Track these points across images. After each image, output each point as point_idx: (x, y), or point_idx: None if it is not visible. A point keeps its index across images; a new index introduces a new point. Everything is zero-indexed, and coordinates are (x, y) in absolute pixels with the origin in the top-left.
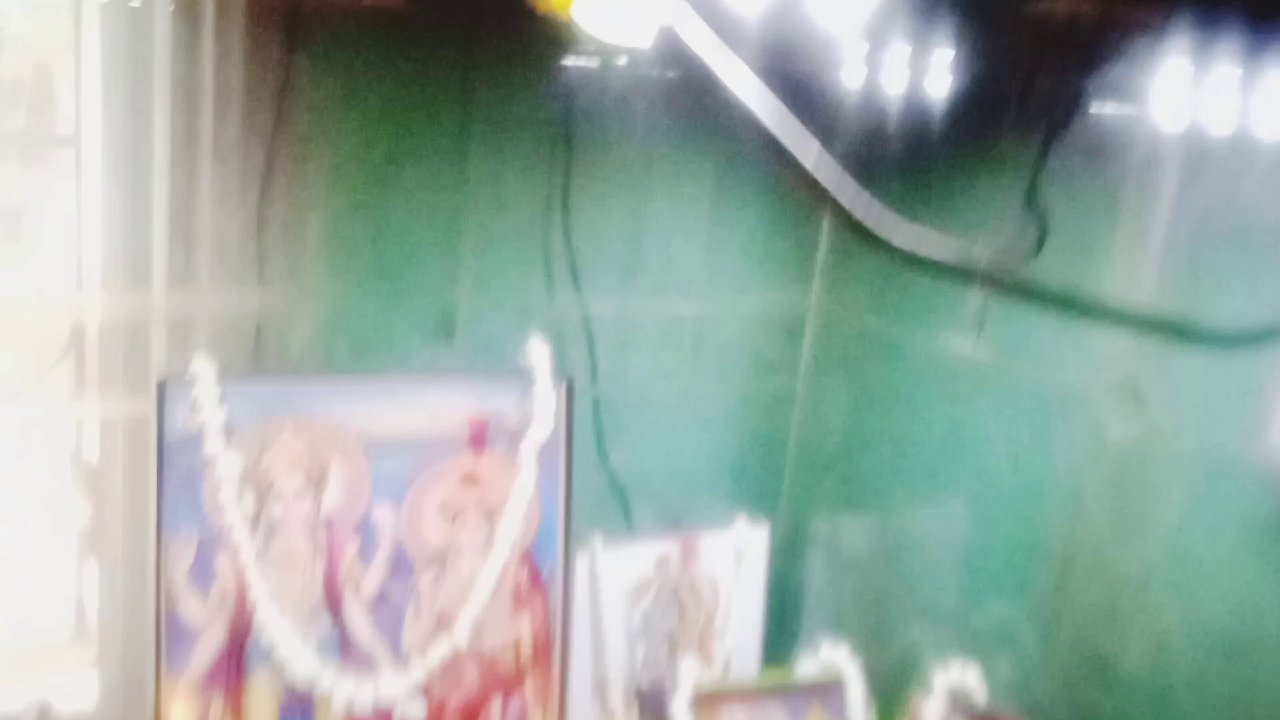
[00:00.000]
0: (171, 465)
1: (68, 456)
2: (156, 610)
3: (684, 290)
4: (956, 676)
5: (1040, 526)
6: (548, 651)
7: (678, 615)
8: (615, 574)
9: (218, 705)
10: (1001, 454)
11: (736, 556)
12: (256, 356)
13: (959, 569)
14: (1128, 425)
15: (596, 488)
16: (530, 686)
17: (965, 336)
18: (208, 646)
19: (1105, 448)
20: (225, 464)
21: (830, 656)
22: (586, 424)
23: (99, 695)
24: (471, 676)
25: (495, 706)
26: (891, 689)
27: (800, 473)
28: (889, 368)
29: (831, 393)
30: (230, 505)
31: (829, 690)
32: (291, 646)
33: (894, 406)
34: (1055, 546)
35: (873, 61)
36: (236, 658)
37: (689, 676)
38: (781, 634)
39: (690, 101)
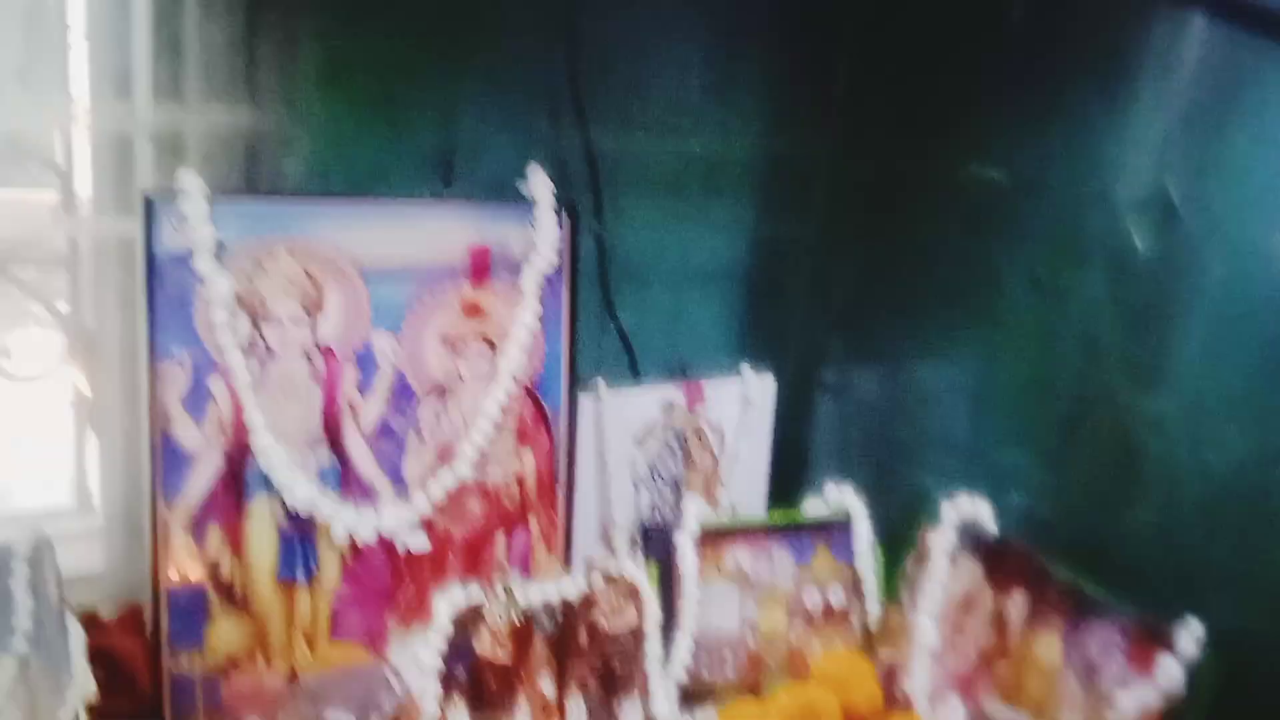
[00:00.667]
0: (161, 286)
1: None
2: (150, 436)
3: (694, 128)
4: (966, 509)
5: (1054, 368)
6: (552, 489)
7: (683, 461)
8: (620, 417)
9: (216, 535)
10: (1017, 295)
11: (743, 403)
12: (248, 178)
13: (970, 412)
14: (1148, 251)
15: (600, 330)
16: (535, 523)
17: (982, 176)
18: (204, 474)
19: (1122, 287)
20: (216, 285)
21: (836, 497)
22: (591, 263)
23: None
24: (475, 510)
25: (499, 542)
26: (899, 529)
27: (810, 319)
28: (903, 213)
29: (844, 237)
30: (223, 328)
31: (835, 530)
32: (290, 475)
33: (907, 250)
34: (1069, 388)
35: None
36: (234, 486)
37: (693, 515)
38: (787, 482)
39: None
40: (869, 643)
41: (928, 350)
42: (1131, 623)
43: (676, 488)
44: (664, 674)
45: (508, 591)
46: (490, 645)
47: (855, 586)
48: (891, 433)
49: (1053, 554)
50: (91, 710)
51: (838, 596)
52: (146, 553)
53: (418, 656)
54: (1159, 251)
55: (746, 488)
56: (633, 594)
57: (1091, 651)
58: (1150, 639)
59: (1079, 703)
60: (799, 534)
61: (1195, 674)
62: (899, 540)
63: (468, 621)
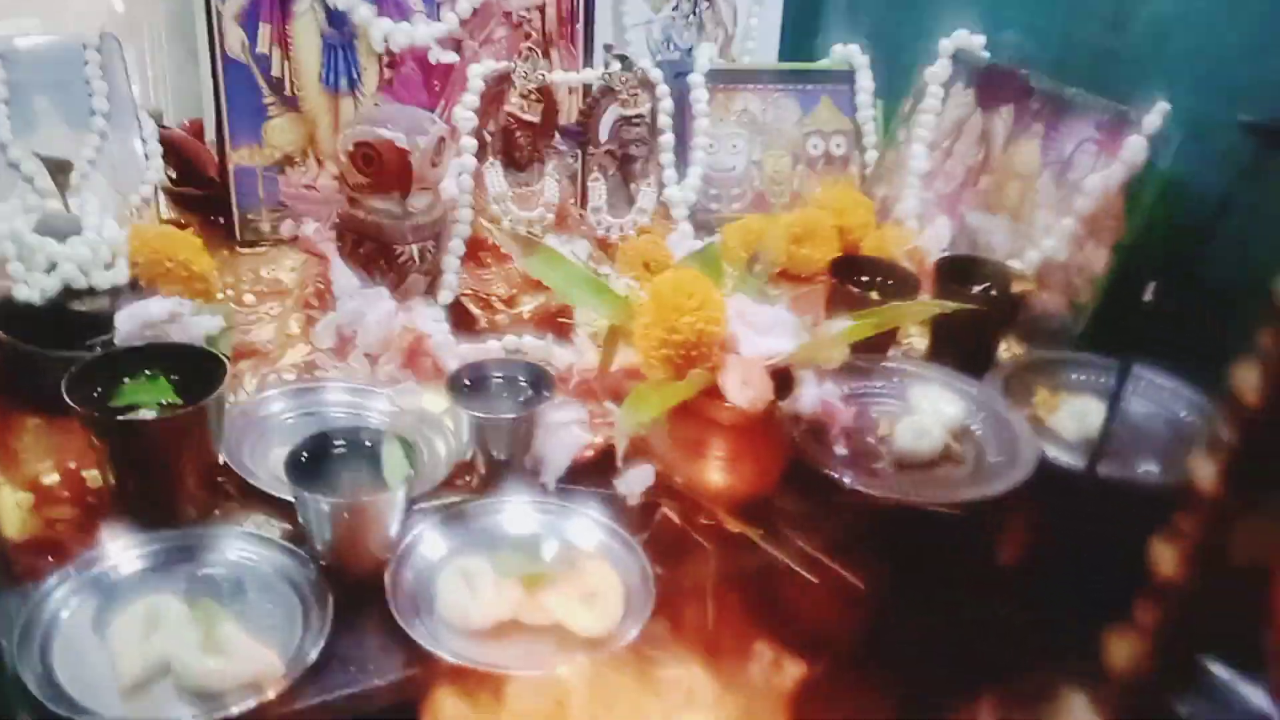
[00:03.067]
0: None
1: None
2: None
3: None
4: (962, 40)
5: None
6: (572, 20)
7: (697, 30)
8: None
9: (266, 33)
10: None
11: None
12: None
13: None
14: None
15: None
16: (555, 52)
17: None
18: None
19: None
20: None
21: (842, 54)
22: None
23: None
24: (499, 34)
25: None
26: (901, 86)
27: None
28: None
29: None
30: None
31: (839, 82)
32: None
33: None
34: None
35: None
36: None
37: (705, 56)
38: (797, 55)
39: None
40: (866, 186)
41: None
42: (1105, 116)
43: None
44: (675, 163)
45: (533, 62)
46: (519, 105)
47: (855, 137)
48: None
49: (1040, 68)
50: (167, 193)
51: (839, 145)
52: (205, 58)
53: (457, 113)
54: None
55: (759, 54)
56: (647, 85)
57: (1067, 149)
58: (1120, 126)
59: (1052, 199)
60: (805, 85)
61: (1155, 146)
62: (900, 94)
63: (499, 82)
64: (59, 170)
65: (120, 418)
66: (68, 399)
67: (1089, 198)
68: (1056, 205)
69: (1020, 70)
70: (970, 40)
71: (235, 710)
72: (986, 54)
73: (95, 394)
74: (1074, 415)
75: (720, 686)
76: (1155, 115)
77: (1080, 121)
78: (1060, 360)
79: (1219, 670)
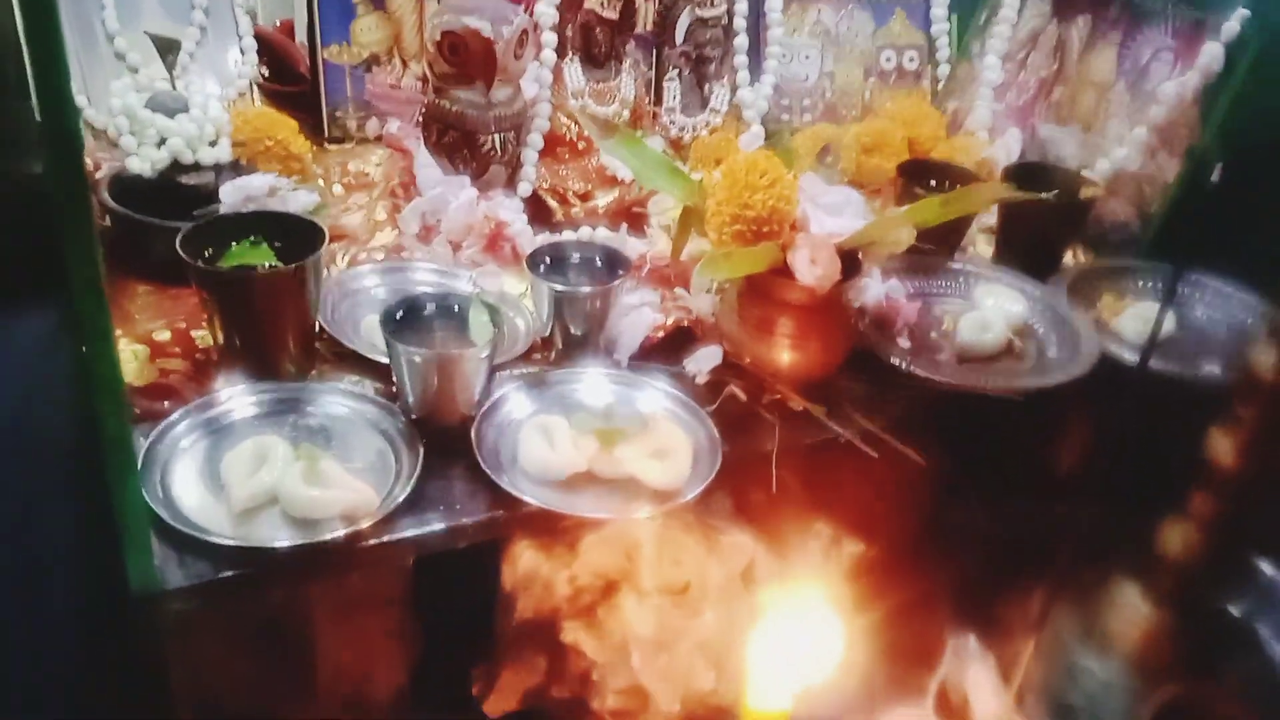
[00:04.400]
0: None
1: None
2: None
3: None
4: None
5: None
6: None
7: None
8: None
9: None
10: None
11: None
12: None
13: None
14: None
15: None
16: None
17: None
18: None
19: None
20: None
21: None
22: None
23: None
24: None
25: None
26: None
27: None
28: None
29: None
30: None
31: None
32: None
33: None
34: None
35: None
36: None
37: None
38: None
39: None
40: (938, 100)
41: None
42: (1184, 23)
43: None
44: (749, 66)
45: None
46: (599, 2)
47: (929, 51)
48: None
49: None
50: (260, 88)
51: (911, 59)
52: None
53: (539, 9)
54: None
55: None
56: None
57: (1143, 57)
58: (1198, 32)
59: (1126, 108)
60: None
61: (1234, 51)
62: (975, 7)
63: None
64: (167, 49)
65: (229, 272)
66: (182, 255)
67: (1163, 106)
68: (1130, 114)
69: None
70: None
71: (332, 535)
72: None
73: (205, 255)
74: (1138, 319)
75: (778, 557)
76: (1234, 22)
77: (1157, 29)
78: (1127, 268)
79: (1268, 568)
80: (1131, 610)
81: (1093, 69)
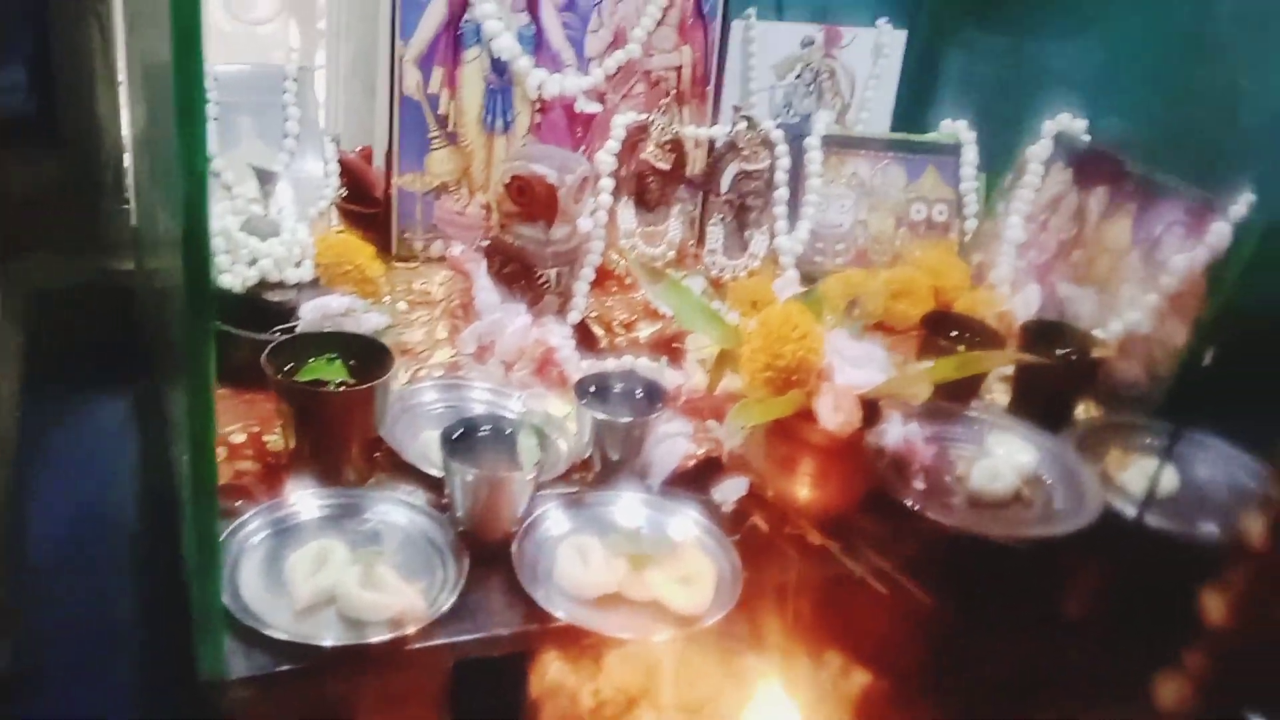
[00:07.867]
0: None
1: None
2: None
3: None
4: (1065, 123)
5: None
6: (704, 81)
7: (816, 98)
8: (765, 44)
9: (438, 76)
10: None
11: (875, 52)
12: None
13: (1088, 52)
14: None
15: None
16: (687, 109)
17: None
18: (431, 20)
19: None
20: None
21: (950, 129)
22: None
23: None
24: (639, 89)
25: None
26: (1004, 164)
27: None
28: None
29: None
30: None
31: (946, 154)
32: (497, 27)
33: None
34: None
35: None
36: (453, 35)
37: (822, 122)
38: (908, 126)
39: None
40: (964, 252)
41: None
42: (1195, 202)
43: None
44: (787, 215)
45: (669, 116)
46: (653, 153)
47: (957, 206)
48: (1010, 82)
49: (1135, 154)
50: (338, 208)
51: (940, 212)
52: (382, 94)
53: (599, 157)
54: None
55: (871, 128)
56: (768, 144)
57: (1156, 230)
58: (1207, 211)
59: (1139, 274)
60: (913, 154)
61: (1240, 232)
62: (1002, 169)
63: (638, 132)
64: (266, 180)
65: (310, 386)
66: (265, 368)
67: (1174, 276)
68: (1142, 281)
69: (1117, 155)
70: (1072, 124)
71: (381, 639)
72: (1086, 137)
73: (285, 369)
74: (1143, 475)
75: (791, 683)
76: (1241, 205)
77: (1170, 205)
78: (1135, 424)
79: None
80: None
81: (1109, 235)
